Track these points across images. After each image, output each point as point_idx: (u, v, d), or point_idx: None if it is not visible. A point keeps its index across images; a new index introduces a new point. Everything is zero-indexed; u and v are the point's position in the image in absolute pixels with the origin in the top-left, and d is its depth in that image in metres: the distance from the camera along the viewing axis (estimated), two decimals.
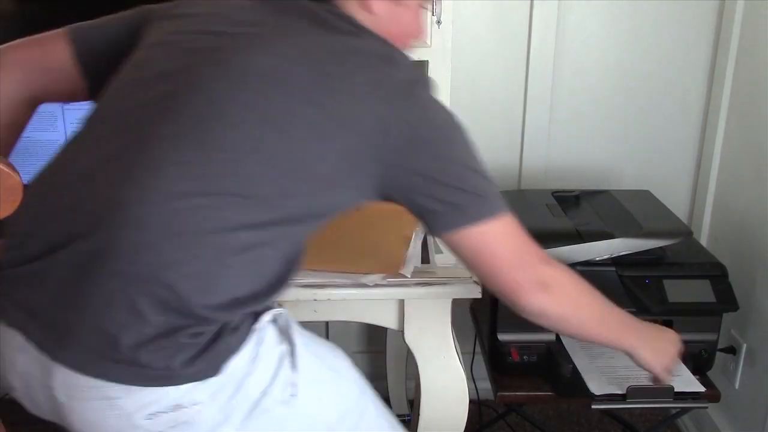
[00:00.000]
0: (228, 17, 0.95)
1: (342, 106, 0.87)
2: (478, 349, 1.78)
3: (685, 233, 1.52)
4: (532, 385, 1.48)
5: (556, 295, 0.98)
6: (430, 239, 1.33)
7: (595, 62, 1.86)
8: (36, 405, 0.92)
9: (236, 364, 0.87)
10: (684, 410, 1.71)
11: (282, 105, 0.86)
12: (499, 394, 1.47)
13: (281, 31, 0.91)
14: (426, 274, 1.21)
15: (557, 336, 1.47)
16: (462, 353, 1.29)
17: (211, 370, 0.85)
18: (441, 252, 1.29)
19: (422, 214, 0.94)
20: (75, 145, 0.94)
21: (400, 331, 1.24)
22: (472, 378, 1.90)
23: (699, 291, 1.43)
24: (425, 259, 1.27)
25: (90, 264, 0.82)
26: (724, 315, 1.48)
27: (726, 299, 1.43)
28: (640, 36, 1.83)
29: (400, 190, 0.92)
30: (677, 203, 1.91)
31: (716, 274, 1.45)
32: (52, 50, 1.03)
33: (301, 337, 0.96)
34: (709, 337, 1.48)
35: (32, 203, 0.88)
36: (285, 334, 0.94)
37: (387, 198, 0.94)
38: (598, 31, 1.83)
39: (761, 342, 1.61)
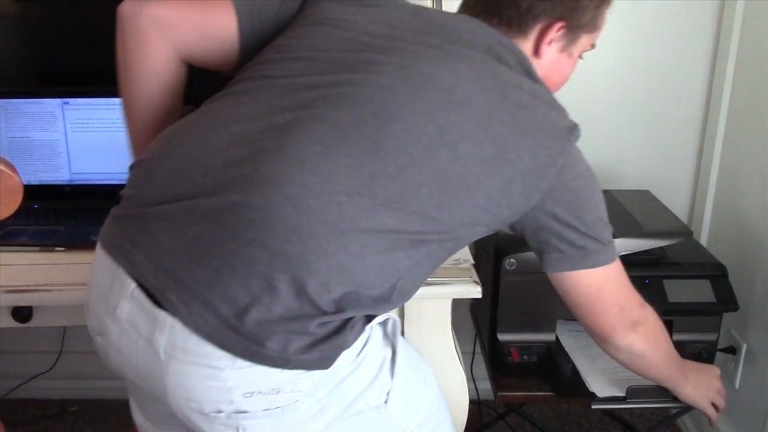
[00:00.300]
0: (403, 21, 0.95)
1: (508, 140, 0.88)
2: (478, 349, 1.78)
3: (685, 233, 1.52)
4: (532, 385, 1.47)
5: (643, 335, 1.09)
6: None
7: (595, 62, 1.85)
8: (120, 357, 0.88)
9: (343, 361, 0.86)
10: (684, 410, 1.71)
11: (457, 123, 0.86)
12: (499, 394, 1.47)
13: (459, 51, 0.91)
14: None
15: (557, 336, 1.47)
16: (462, 353, 1.29)
17: (323, 362, 0.84)
18: None
19: (545, 251, 0.99)
20: (227, 106, 0.91)
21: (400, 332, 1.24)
22: (472, 378, 1.90)
23: (699, 291, 1.43)
24: None
25: (237, 224, 0.80)
26: (724, 315, 1.48)
27: (726, 299, 1.43)
28: (641, 36, 1.83)
29: (533, 229, 0.97)
30: (677, 203, 1.91)
31: (716, 274, 1.46)
32: (215, 18, 0.97)
33: (402, 343, 0.96)
34: (709, 337, 1.48)
35: (168, 148, 0.87)
36: (389, 339, 0.95)
37: (513, 229, 0.99)
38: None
39: (761, 342, 1.61)
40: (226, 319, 0.79)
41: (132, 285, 0.84)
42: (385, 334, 0.95)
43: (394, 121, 0.84)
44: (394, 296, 0.89)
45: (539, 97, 0.93)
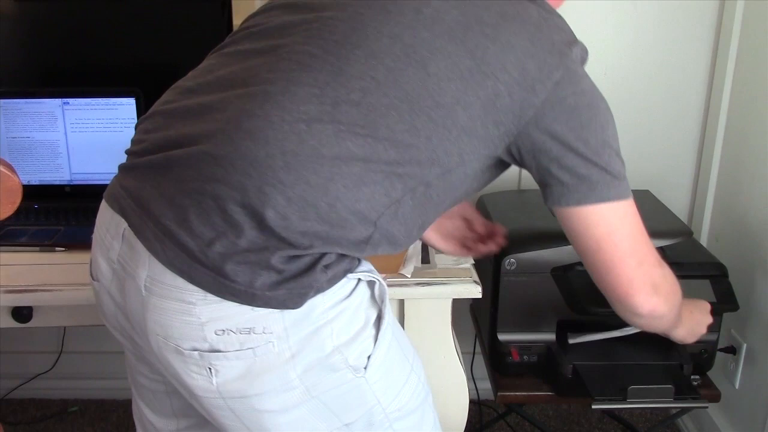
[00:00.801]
0: None
1: (488, 53, 0.83)
2: (478, 349, 1.78)
3: (685, 233, 1.52)
4: (532, 385, 1.48)
5: (663, 297, 0.98)
6: None
7: (595, 62, 1.85)
8: (110, 302, 0.92)
9: (319, 306, 0.85)
10: (684, 410, 1.71)
11: (426, 40, 0.83)
12: (499, 394, 1.47)
13: None
14: (426, 274, 1.21)
15: (557, 336, 1.47)
16: (462, 353, 1.29)
17: (292, 301, 0.82)
18: (441, 252, 1.28)
19: (547, 182, 0.90)
20: (212, 61, 0.94)
21: None
22: (472, 378, 1.90)
23: (699, 291, 1.43)
24: (425, 259, 1.27)
25: (201, 162, 0.82)
26: (725, 315, 1.48)
27: (726, 299, 1.43)
28: (640, 35, 1.83)
29: (531, 152, 0.88)
30: (677, 203, 1.91)
31: (716, 274, 1.46)
32: None
33: (390, 316, 0.93)
34: (709, 337, 1.48)
35: (160, 105, 0.92)
36: (376, 303, 0.92)
37: (514, 157, 0.91)
38: (598, 31, 1.83)
39: (761, 342, 1.61)
40: (193, 252, 0.81)
41: (124, 225, 0.87)
42: (372, 296, 0.92)
43: (357, 47, 0.83)
44: (376, 238, 0.86)
45: (528, 8, 0.88)
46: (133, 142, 0.93)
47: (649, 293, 0.95)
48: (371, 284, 0.91)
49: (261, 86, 0.84)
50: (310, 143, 0.80)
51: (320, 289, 0.85)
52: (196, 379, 0.85)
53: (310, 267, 0.83)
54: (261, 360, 0.84)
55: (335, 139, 0.81)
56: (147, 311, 0.85)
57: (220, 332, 0.83)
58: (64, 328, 2.03)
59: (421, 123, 0.83)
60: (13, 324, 1.27)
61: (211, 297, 0.82)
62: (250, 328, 0.83)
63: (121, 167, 0.93)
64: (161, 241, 0.83)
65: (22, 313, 1.26)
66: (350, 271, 0.88)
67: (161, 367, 0.91)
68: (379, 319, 0.91)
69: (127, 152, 0.94)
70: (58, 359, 2.07)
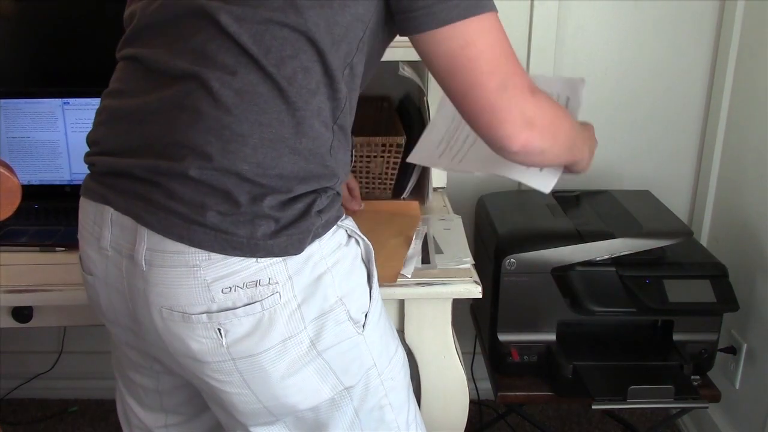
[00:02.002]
0: None
1: None
2: (478, 349, 1.78)
3: (685, 233, 1.52)
4: (532, 386, 1.48)
5: (538, 131, 0.88)
6: (430, 239, 1.32)
7: (596, 62, 1.86)
8: (108, 291, 0.93)
9: (317, 252, 0.88)
10: (684, 410, 1.71)
11: None
12: (499, 394, 1.47)
13: None
14: (426, 274, 1.21)
15: (558, 336, 1.47)
16: (462, 353, 1.29)
17: (293, 247, 0.85)
18: (441, 252, 1.28)
19: (403, 11, 0.85)
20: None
21: (400, 331, 1.24)
22: (472, 378, 1.90)
23: (699, 291, 1.43)
24: (425, 259, 1.27)
25: (168, 153, 0.85)
26: (725, 315, 1.48)
27: (726, 299, 1.43)
28: (641, 36, 1.83)
29: None
30: (677, 203, 1.91)
31: (716, 274, 1.45)
32: None
33: (377, 286, 0.97)
34: (710, 337, 1.48)
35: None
36: (365, 263, 0.96)
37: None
38: (599, 31, 1.83)
39: (761, 342, 1.61)
40: (189, 216, 0.83)
41: (110, 211, 0.89)
42: (360, 255, 0.95)
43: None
44: (334, 156, 0.89)
45: None
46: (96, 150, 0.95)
47: (519, 125, 0.86)
48: (357, 243, 0.95)
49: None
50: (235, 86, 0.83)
51: (317, 235, 0.87)
52: (204, 343, 0.86)
53: (305, 212, 0.86)
54: (269, 313, 0.85)
55: (262, 76, 0.83)
56: (149, 285, 0.86)
57: (227, 290, 0.84)
58: (64, 328, 2.03)
59: (315, 12, 0.83)
60: (13, 324, 1.27)
61: (215, 256, 0.83)
62: (255, 281, 0.84)
63: (91, 162, 0.95)
64: (153, 213, 0.84)
65: (22, 313, 1.26)
66: (339, 218, 0.92)
67: (161, 349, 0.91)
68: (369, 278, 0.95)
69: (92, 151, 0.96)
70: (58, 359, 2.07)
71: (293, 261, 0.85)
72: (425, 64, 0.89)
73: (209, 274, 0.84)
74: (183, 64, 0.85)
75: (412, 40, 0.88)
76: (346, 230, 0.93)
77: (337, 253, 0.90)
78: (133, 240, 0.86)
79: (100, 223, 0.90)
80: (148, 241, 0.85)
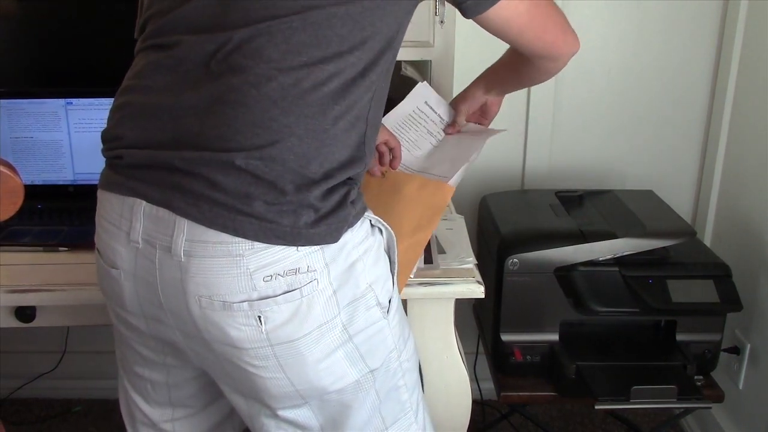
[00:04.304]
0: None
1: None
2: (481, 349, 1.78)
3: (688, 233, 1.52)
4: (535, 386, 1.48)
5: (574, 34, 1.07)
6: (433, 239, 1.32)
7: (598, 62, 1.85)
8: (135, 284, 0.93)
9: (349, 241, 0.91)
10: (688, 410, 1.71)
11: None
12: (502, 394, 1.47)
13: None
14: (429, 275, 1.21)
15: (561, 336, 1.47)
16: (465, 353, 1.29)
17: (330, 236, 0.88)
18: (444, 252, 1.28)
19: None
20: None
21: None
22: (475, 378, 1.90)
23: (703, 291, 1.42)
24: (428, 259, 1.27)
25: (213, 140, 0.86)
26: (728, 315, 1.48)
27: (730, 299, 1.43)
28: (644, 36, 1.83)
29: None
30: (681, 203, 1.91)
31: (720, 274, 1.45)
32: None
33: (397, 266, 1.01)
34: (713, 337, 1.48)
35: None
36: (386, 252, 0.99)
37: None
38: (602, 31, 1.83)
39: (765, 342, 1.61)
40: (234, 206, 0.84)
41: (142, 203, 0.89)
42: (384, 244, 0.98)
43: None
44: (362, 145, 0.92)
45: None
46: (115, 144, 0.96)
47: (574, 35, 1.07)
48: (381, 232, 0.98)
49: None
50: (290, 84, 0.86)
51: (351, 224, 0.91)
52: (243, 330, 0.87)
53: (341, 202, 0.89)
54: (307, 300, 0.87)
55: (307, 71, 0.86)
56: (188, 275, 0.87)
57: (268, 278, 0.86)
58: (68, 328, 2.03)
59: (358, 14, 0.87)
60: (17, 324, 1.27)
61: (258, 245, 0.85)
62: (295, 269, 0.87)
63: (118, 155, 0.95)
64: (193, 204, 0.85)
65: (25, 313, 1.26)
66: (366, 209, 0.95)
67: (191, 336, 0.91)
68: (391, 264, 0.99)
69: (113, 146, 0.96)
70: (61, 359, 2.08)
71: (330, 249, 0.88)
72: (499, 35, 1.01)
73: (252, 263, 0.85)
74: (225, 58, 0.87)
75: (478, 21, 0.97)
76: (370, 220, 0.96)
77: (366, 242, 0.93)
78: (168, 231, 0.87)
79: (129, 216, 0.90)
80: (188, 232, 0.86)
